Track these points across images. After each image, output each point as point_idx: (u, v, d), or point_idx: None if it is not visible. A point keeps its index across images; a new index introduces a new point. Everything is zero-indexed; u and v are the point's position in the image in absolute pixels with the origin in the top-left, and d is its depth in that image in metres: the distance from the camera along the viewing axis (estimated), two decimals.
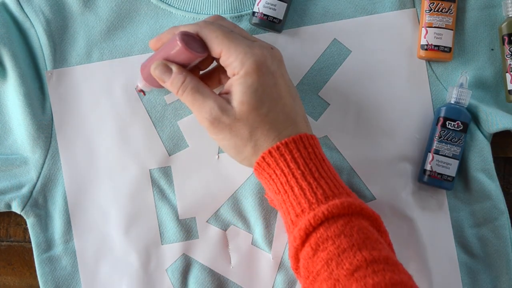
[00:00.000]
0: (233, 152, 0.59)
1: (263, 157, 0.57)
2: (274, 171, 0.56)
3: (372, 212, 0.55)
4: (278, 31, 0.68)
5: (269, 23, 0.67)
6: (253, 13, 0.67)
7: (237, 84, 0.57)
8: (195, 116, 0.59)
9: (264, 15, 0.67)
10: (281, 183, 0.56)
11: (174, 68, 0.59)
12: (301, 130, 0.58)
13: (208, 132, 0.59)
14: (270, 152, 0.56)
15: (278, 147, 0.56)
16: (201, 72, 0.64)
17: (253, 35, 0.66)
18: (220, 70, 0.63)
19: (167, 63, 0.59)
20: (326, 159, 0.58)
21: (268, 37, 0.68)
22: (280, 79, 0.58)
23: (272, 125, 0.57)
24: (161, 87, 0.62)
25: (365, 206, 0.55)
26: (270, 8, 0.66)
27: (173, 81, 0.58)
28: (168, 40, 0.60)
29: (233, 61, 0.57)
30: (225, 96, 0.58)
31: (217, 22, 0.61)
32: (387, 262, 0.51)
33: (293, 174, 0.56)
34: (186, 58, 0.58)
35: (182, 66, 0.59)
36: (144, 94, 0.67)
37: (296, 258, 0.55)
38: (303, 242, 0.54)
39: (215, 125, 0.57)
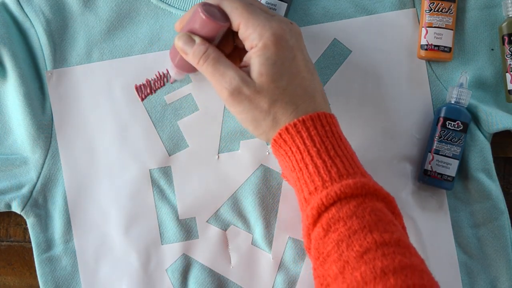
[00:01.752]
0: (252, 125, 0.58)
1: (279, 134, 0.57)
2: (290, 148, 0.56)
3: (386, 193, 0.55)
4: None
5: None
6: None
7: (256, 56, 0.56)
8: (215, 87, 0.58)
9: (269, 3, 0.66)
10: (296, 160, 0.56)
11: (197, 39, 0.59)
12: (319, 106, 0.58)
13: (226, 104, 0.58)
14: (287, 128, 0.56)
15: (295, 124, 0.56)
16: None
17: None
18: (241, 51, 0.62)
19: (190, 35, 0.59)
20: (344, 138, 0.58)
21: None
22: (298, 53, 0.58)
23: (291, 98, 0.57)
24: (193, 70, 0.61)
25: (379, 187, 0.55)
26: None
27: (195, 51, 0.58)
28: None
29: (251, 33, 0.57)
30: (244, 69, 0.58)
31: None
32: (399, 244, 0.50)
33: (308, 151, 0.55)
34: (209, 29, 0.58)
35: (207, 40, 0.59)
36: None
37: (308, 238, 0.55)
38: (315, 221, 0.54)
39: (234, 95, 0.56)
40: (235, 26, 0.58)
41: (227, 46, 0.62)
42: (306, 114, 0.56)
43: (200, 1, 0.69)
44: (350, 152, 0.57)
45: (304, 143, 0.56)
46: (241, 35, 0.58)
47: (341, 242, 0.51)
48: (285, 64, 0.57)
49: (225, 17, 0.58)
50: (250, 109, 0.57)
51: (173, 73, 0.64)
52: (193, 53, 0.58)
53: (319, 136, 0.56)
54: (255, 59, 0.56)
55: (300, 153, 0.56)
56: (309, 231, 0.54)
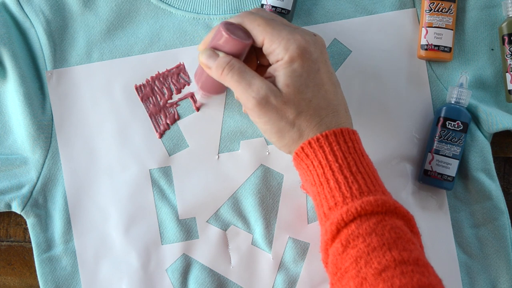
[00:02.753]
0: (276, 136, 0.58)
1: (302, 148, 0.57)
2: (312, 162, 0.56)
3: (406, 211, 0.55)
4: (289, 21, 0.68)
5: (278, 15, 0.66)
6: (262, 5, 0.67)
7: (282, 68, 0.56)
8: (240, 97, 0.58)
9: (273, 6, 0.66)
10: (318, 175, 0.56)
11: (220, 53, 0.58)
12: (342, 120, 0.58)
13: (252, 113, 0.57)
14: (309, 142, 0.56)
15: (318, 139, 0.56)
16: None
17: None
18: (265, 68, 0.62)
19: (213, 50, 0.59)
20: (366, 155, 0.58)
21: None
22: (322, 66, 0.58)
23: (315, 111, 0.57)
24: (219, 91, 0.62)
25: (399, 205, 0.54)
26: (277, 8, 0.66)
27: (219, 62, 0.58)
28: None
29: (276, 48, 0.57)
30: (269, 79, 0.58)
31: (258, 13, 0.60)
32: (417, 263, 0.50)
33: (330, 166, 0.55)
34: (233, 47, 0.58)
35: None
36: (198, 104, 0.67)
37: (326, 252, 0.55)
38: (334, 237, 0.53)
39: (262, 105, 0.56)
40: (259, 43, 0.58)
41: (251, 64, 0.62)
42: (330, 129, 0.56)
43: (199, 1, 0.69)
44: (371, 170, 0.57)
45: (326, 158, 0.55)
46: (266, 50, 0.58)
47: (359, 258, 0.51)
48: (310, 77, 0.57)
49: (247, 35, 0.58)
50: (276, 120, 0.57)
51: (199, 97, 0.65)
52: (216, 65, 0.58)
53: (342, 151, 0.56)
54: (281, 71, 0.56)
55: (322, 167, 0.56)
56: (327, 246, 0.54)
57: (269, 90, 0.56)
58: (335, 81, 0.59)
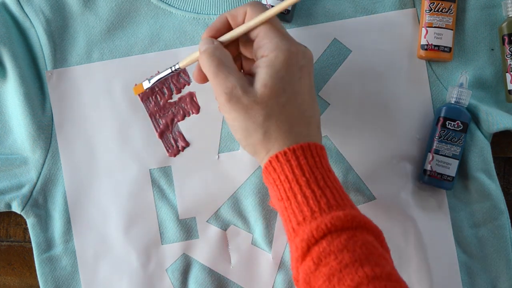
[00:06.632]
0: (241, 134, 0.57)
1: (270, 161, 0.56)
2: (278, 176, 0.55)
3: (375, 226, 0.54)
4: (288, 21, 0.68)
5: (279, 14, 0.66)
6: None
7: (265, 66, 0.56)
8: (214, 89, 0.57)
9: (272, 6, 0.66)
10: (284, 190, 0.55)
11: (215, 42, 0.58)
12: (312, 134, 0.57)
13: (221, 108, 0.57)
14: (277, 156, 0.55)
15: (285, 153, 0.55)
16: None
17: None
18: (242, 57, 0.62)
19: (210, 38, 0.59)
20: (332, 171, 0.57)
21: None
22: (305, 77, 0.57)
23: (287, 117, 0.56)
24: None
25: (369, 220, 0.54)
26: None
27: (203, 47, 0.58)
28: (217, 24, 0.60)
29: (268, 43, 0.56)
30: (248, 77, 0.57)
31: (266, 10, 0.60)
32: (390, 279, 0.50)
33: (297, 180, 0.54)
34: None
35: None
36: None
37: (297, 270, 0.54)
38: (304, 254, 0.52)
39: (232, 102, 0.55)
40: (254, 34, 0.58)
41: (232, 50, 0.62)
42: (298, 141, 0.56)
43: (199, 1, 0.69)
44: (338, 185, 0.56)
45: (293, 172, 0.55)
46: (257, 43, 0.58)
47: (332, 276, 0.50)
48: (291, 82, 0.56)
49: None
50: (245, 119, 0.56)
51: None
52: (201, 49, 0.58)
53: (309, 166, 0.55)
54: (263, 68, 0.56)
55: (289, 182, 0.55)
56: (298, 263, 0.53)
57: (242, 89, 0.55)
58: (313, 95, 0.59)
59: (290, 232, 0.55)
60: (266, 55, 0.56)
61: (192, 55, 0.61)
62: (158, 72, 0.68)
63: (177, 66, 0.63)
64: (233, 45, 0.61)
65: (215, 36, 0.60)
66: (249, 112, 0.55)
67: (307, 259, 0.52)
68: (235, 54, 0.62)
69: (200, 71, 0.60)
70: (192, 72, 0.68)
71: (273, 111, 0.56)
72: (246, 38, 0.60)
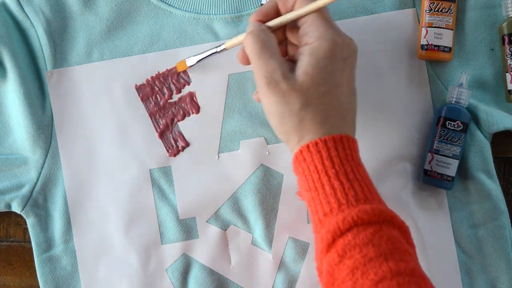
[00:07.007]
0: (276, 120, 0.57)
1: (300, 151, 0.55)
2: (308, 166, 0.55)
3: (402, 222, 0.54)
4: None
5: None
6: (261, 5, 0.67)
7: (308, 54, 0.55)
8: (254, 71, 0.57)
9: None
10: (313, 180, 0.55)
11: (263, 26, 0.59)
12: (346, 126, 0.57)
13: (260, 91, 0.57)
14: (308, 146, 0.55)
15: (316, 143, 0.55)
16: None
17: None
18: (288, 42, 0.62)
19: (259, 22, 0.59)
20: (362, 165, 0.56)
21: None
22: (348, 69, 0.57)
23: (324, 108, 0.55)
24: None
25: (395, 215, 0.54)
26: None
27: (250, 28, 0.58)
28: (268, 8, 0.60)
29: (314, 31, 0.56)
30: (291, 63, 0.57)
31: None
32: (413, 274, 0.50)
33: (326, 172, 0.54)
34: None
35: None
36: None
37: (321, 262, 0.54)
38: (329, 246, 0.52)
39: (271, 86, 0.55)
40: (301, 21, 0.58)
41: (279, 35, 0.61)
42: (331, 133, 0.55)
43: (199, 1, 0.69)
44: (368, 179, 0.56)
45: (323, 163, 0.54)
46: (303, 30, 0.57)
47: (356, 269, 0.50)
48: (332, 73, 0.55)
49: None
50: (281, 105, 0.55)
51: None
52: (248, 30, 0.58)
53: (339, 158, 0.54)
54: (306, 56, 0.55)
55: (318, 173, 0.54)
56: (322, 254, 0.53)
57: (283, 74, 0.55)
58: (353, 89, 0.58)
59: (316, 223, 0.55)
60: (310, 42, 0.56)
61: (239, 37, 0.61)
62: (158, 72, 0.68)
63: (223, 47, 0.63)
64: (280, 30, 0.61)
65: (263, 19, 0.59)
66: (287, 98, 0.55)
67: (332, 251, 0.52)
68: (281, 39, 0.62)
69: (244, 52, 0.59)
70: (190, 72, 0.68)
71: (311, 100, 0.55)
72: (293, 24, 0.60)
